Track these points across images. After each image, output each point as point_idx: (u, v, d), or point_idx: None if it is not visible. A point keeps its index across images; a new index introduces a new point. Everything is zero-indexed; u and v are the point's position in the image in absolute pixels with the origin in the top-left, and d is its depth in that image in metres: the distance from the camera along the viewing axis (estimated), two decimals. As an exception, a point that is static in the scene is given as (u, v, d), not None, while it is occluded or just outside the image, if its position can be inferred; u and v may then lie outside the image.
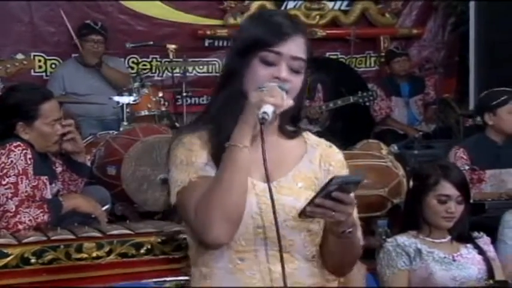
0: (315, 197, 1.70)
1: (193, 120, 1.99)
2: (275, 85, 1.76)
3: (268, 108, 1.71)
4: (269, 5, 6.67)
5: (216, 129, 1.82)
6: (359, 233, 1.85)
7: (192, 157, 1.80)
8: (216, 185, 1.74)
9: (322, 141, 1.94)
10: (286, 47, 1.81)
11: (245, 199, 1.75)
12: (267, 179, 1.73)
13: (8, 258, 2.88)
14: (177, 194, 1.79)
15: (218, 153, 1.78)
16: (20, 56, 4.56)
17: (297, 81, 1.83)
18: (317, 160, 1.89)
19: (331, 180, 1.68)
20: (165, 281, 2.97)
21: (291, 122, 1.91)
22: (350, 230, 1.75)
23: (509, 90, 4.30)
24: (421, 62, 7.23)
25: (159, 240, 2.99)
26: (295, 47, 1.82)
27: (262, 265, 1.79)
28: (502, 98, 4.18)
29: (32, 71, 5.80)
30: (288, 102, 1.76)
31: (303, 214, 1.74)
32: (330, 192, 1.67)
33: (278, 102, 1.73)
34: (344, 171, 1.90)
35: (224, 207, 1.71)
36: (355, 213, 1.79)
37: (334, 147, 1.95)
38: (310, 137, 1.94)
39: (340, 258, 1.86)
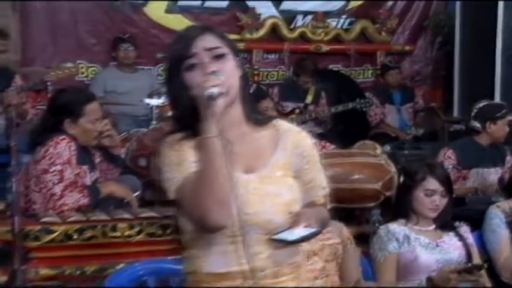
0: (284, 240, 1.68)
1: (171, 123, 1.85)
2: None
3: (211, 89, 1.66)
4: (280, 23, 6.68)
5: (192, 133, 1.74)
6: (324, 211, 1.82)
7: (181, 156, 1.72)
8: (199, 176, 1.67)
9: (293, 127, 1.84)
10: (197, 47, 1.72)
11: (228, 182, 1.67)
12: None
13: (54, 234, 2.92)
14: (176, 191, 1.71)
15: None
16: (68, 64, 4.63)
17: (226, 63, 1.73)
18: (289, 146, 1.79)
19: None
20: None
21: (254, 109, 1.81)
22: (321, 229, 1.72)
23: (505, 104, 4.39)
24: (411, 75, 7.20)
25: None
26: (206, 42, 1.73)
27: (249, 248, 1.72)
28: (503, 111, 4.22)
29: (76, 76, 5.86)
30: (229, 81, 1.70)
31: (273, 240, 1.71)
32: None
33: (216, 83, 1.67)
34: (315, 152, 1.83)
35: (213, 192, 1.64)
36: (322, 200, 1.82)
37: (304, 132, 1.84)
38: (280, 124, 1.83)
39: None
